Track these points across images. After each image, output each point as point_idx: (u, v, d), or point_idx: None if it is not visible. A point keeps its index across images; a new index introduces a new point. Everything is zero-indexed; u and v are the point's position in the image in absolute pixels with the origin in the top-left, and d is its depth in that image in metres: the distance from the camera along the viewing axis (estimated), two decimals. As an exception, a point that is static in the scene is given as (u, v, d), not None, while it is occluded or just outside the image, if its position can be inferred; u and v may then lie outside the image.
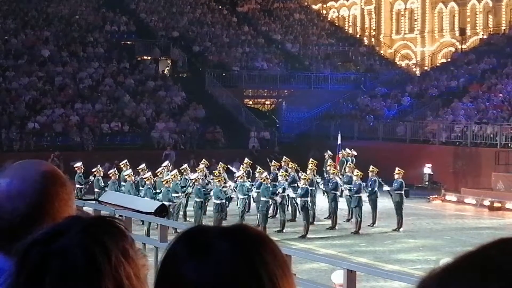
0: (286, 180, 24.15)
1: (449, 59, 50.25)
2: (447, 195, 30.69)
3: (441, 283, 1.10)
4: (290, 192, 23.66)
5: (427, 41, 57.77)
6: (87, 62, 43.43)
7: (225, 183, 23.61)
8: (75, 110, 38.86)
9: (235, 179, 24.25)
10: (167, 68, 48.02)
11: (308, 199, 22.92)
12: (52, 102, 39.00)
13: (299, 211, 23.12)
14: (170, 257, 1.38)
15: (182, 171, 25.47)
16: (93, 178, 25.84)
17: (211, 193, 23.01)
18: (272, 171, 26.61)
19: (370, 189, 24.12)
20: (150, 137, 38.27)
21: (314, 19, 57.61)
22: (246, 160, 28.11)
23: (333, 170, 25.69)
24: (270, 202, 23.27)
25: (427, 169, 33.08)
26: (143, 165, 25.83)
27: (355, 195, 23.55)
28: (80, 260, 1.46)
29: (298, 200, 23.34)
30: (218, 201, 22.34)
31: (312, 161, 26.14)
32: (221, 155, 32.48)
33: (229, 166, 27.48)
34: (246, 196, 23.50)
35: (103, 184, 25.20)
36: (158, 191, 23.23)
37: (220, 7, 55.09)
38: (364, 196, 24.09)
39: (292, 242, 20.05)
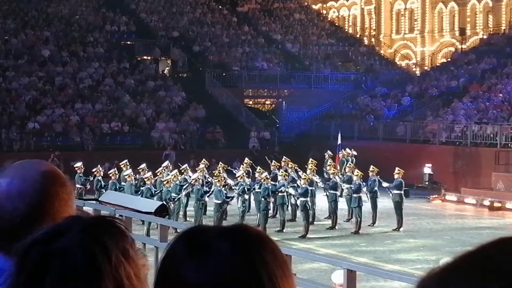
0: (286, 180, 24.17)
1: (449, 59, 50.24)
2: (447, 195, 30.69)
3: (440, 282, 1.10)
4: (290, 189, 23.67)
5: (427, 41, 57.76)
6: (87, 62, 43.43)
7: (225, 183, 23.62)
8: (75, 110, 38.86)
9: (236, 179, 24.27)
10: (167, 68, 48.02)
11: (308, 199, 22.93)
12: (52, 102, 39.00)
13: (301, 210, 23.10)
14: (170, 257, 1.38)
15: (182, 171, 25.48)
16: (92, 178, 25.84)
17: (212, 193, 23.04)
18: (272, 171, 26.61)
19: (370, 188, 24.13)
20: (150, 137, 38.26)
21: (314, 19, 57.61)
22: (246, 160, 28.12)
23: (333, 170, 25.70)
24: (270, 202, 23.30)
25: (427, 169, 33.08)
26: (143, 165, 25.82)
27: (355, 195, 23.55)
28: (80, 260, 1.46)
29: (298, 200, 23.35)
30: (218, 201, 22.35)
31: (312, 161, 26.14)
32: (221, 155, 32.47)
33: (230, 168, 27.47)
34: (246, 196, 23.51)
35: (103, 184, 25.20)
36: (157, 191, 23.22)
37: (220, 7, 55.09)
38: (364, 196, 24.10)
39: (292, 242, 20.05)
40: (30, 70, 41.27)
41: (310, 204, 23.13)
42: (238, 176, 24.13)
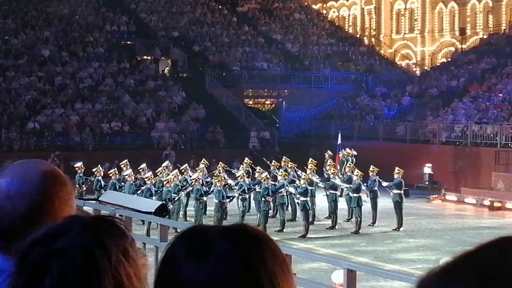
0: (285, 179, 24.17)
1: (449, 59, 50.25)
2: (447, 195, 30.69)
3: (440, 282, 1.10)
4: (291, 188, 23.69)
5: (427, 41, 57.76)
6: (87, 62, 43.41)
7: (225, 183, 23.63)
8: (75, 110, 38.85)
9: (236, 179, 24.28)
10: (167, 68, 48.02)
11: (308, 198, 22.92)
12: (52, 102, 38.99)
13: (300, 210, 23.10)
14: (170, 256, 1.38)
15: (182, 171, 25.48)
16: (93, 178, 25.83)
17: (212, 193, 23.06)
18: (271, 170, 26.61)
19: (370, 188, 24.13)
20: (150, 137, 38.26)
21: (314, 19, 57.60)
22: (246, 160, 28.13)
23: (333, 170, 25.71)
24: (270, 202, 23.30)
25: (427, 169, 33.08)
26: (143, 165, 25.82)
27: (355, 195, 23.55)
28: (80, 260, 1.46)
29: (298, 200, 23.35)
30: (218, 201, 22.35)
31: (311, 160, 26.14)
32: (221, 155, 32.46)
33: (229, 168, 27.47)
34: (246, 196, 23.51)
35: (103, 184, 25.19)
36: (157, 190, 23.22)
37: (220, 7, 55.09)
38: (364, 196, 24.11)
39: (292, 242, 20.05)
40: (30, 70, 41.26)
41: (310, 204, 23.12)
42: (238, 176, 24.15)
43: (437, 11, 57.04)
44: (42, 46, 43.66)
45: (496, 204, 27.81)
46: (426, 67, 52.52)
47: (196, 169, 26.61)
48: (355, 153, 30.01)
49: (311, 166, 25.29)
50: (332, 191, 24.30)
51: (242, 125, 41.77)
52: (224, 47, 48.92)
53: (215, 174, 24.21)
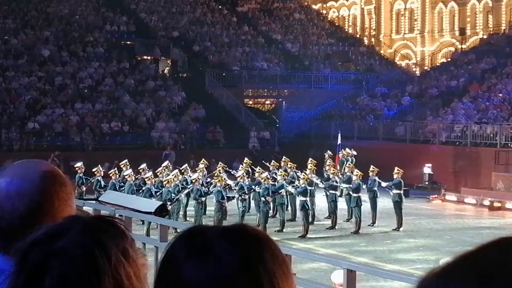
0: (285, 179, 24.18)
1: (449, 59, 50.25)
2: (447, 195, 30.69)
3: (440, 282, 1.10)
4: (291, 188, 23.70)
5: (427, 41, 57.77)
6: (87, 62, 43.41)
7: (225, 183, 23.62)
8: (75, 110, 38.85)
9: (235, 180, 24.29)
10: (167, 68, 48.02)
11: (307, 198, 22.91)
12: (52, 102, 38.99)
13: (300, 210, 23.09)
14: (170, 257, 1.38)
15: (183, 171, 25.48)
16: (93, 178, 25.79)
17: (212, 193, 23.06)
18: (271, 171, 26.60)
19: (369, 188, 24.13)
20: (150, 137, 38.26)
21: (314, 19, 57.60)
22: (246, 160, 28.13)
23: (333, 170, 25.70)
24: (270, 202, 23.30)
25: (427, 169, 33.08)
26: (144, 165, 25.82)
27: (354, 195, 23.55)
28: (80, 260, 1.46)
29: (298, 200, 23.36)
30: (219, 202, 22.35)
31: (311, 160, 26.14)
32: (221, 155, 32.47)
33: (229, 169, 27.48)
34: (246, 196, 23.51)
35: (103, 184, 25.18)
36: (157, 191, 23.20)
37: (220, 7, 55.09)
38: (364, 196, 24.11)
39: (292, 242, 20.05)
40: (30, 70, 41.26)
41: (309, 204, 23.11)
42: (238, 176, 24.15)
43: (437, 11, 57.04)
44: (42, 46, 43.66)
45: (496, 204, 27.82)
46: (426, 67, 52.52)
47: (196, 169, 26.60)
48: (355, 153, 30.00)
49: (310, 166, 25.29)
50: (331, 191, 24.30)
51: (242, 125, 41.77)
52: (224, 47, 48.93)
53: (215, 175, 24.21)
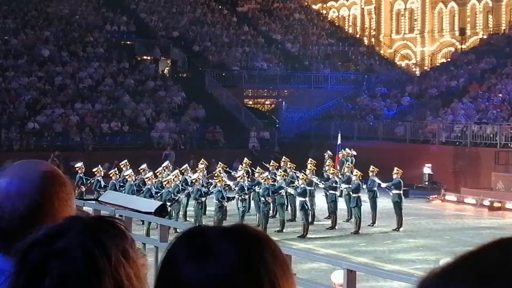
0: (285, 180, 24.19)
1: (449, 59, 50.25)
2: (447, 195, 30.69)
3: (441, 283, 1.10)
4: (290, 189, 23.71)
5: (427, 41, 57.77)
6: (87, 62, 43.41)
7: (225, 183, 23.62)
8: (75, 110, 38.85)
9: (235, 180, 24.29)
10: (167, 68, 48.02)
11: (307, 199, 22.91)
12: (52, 102, 38.99)
13: (299, 210, 23.09)
14: (170, 257, 1.38)
15: (183, 171, 25.47)
16: (93, 178, 25.76)
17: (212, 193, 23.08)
18: (270, 171, 26.59)
19: (369, 188, 24.13)
20: (150, 137, 38.26)
21: (314, 19, 57.60)
22: (246, 160, 28.13)
23: (332, 170, 25.70)
24: (270, 203, 23.30)
25: (427, 169, 33.07)
26: (144, 165, 25.81)
27: (354, 195, 23.56)
28: (80, 261, 1.46)
29: (297, 200, 23.37)
30: (219, 202, 22.35)
31: (311, 161, 26.14)
32: (221, 155, 32.47)
33: (229, 170, 27.48)
34: (246, 196, 23.51)
35: (103, 184, 25.17)
36: (157, 191, 23.20)
37: (220, 7, 55.09)
38: (364, 196, 24.11)
39: (292, 242, 20.05)
40: (30, 70, 41.26)
41: (309, 204, 23.11)
42: (238, 177, 24.15)
43: (437, 11, 57.04)
44: (42, 46, 43.66)
45: (496, 204, 27.82)
46: (425, 67, 52.52)
47: (196, 169, 26.60)
48: (354, 153, 30.00)
49: (310, 167, 25.29)
50: (331, 192, 24.30)
51: (242, 125, 41.77)
52: (224, 47, 48.93)
53: (216, 175, 24.20)
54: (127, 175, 24.49)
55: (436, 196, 30.65)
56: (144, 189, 23.27)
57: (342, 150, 30.53)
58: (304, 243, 21.03)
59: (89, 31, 46.78)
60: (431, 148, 34.97)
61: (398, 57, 57.79)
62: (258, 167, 25.23)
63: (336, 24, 59.97)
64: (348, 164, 26.91)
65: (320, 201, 25.66)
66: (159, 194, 22.69)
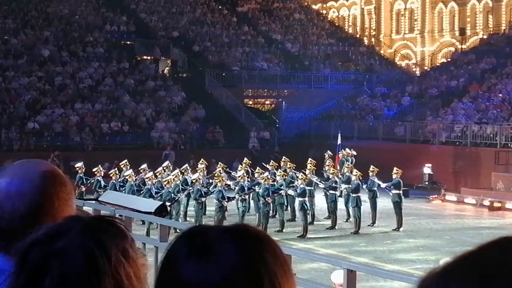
0: (285, 180, 24.19)
1: (449, 59, 50.25)
2: (447, 195, 30.69)
3: (441, 282, 1.10)
4: (290, 191, 23.71)
5: (427, 41, 57.77)
6: (87, 62, 43.41)
7: (225, 184, 23.62)
8: (75, 110, 38.85)
9: (236, 179, 24.29)
10: (167, 68, 48.02)
11: (306, 199, 22.90)
12: (52, 102, 38.99)
13: (299, 210, 23.09)
14: (171, 257, 1.37)
15: (183, 171, 25.47)
16: (93, 178, 25.75)
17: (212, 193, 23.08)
18: (270, 171, 26.58)
19: (369, 187, 24.13)
20: (150, 137, 38.26)
21: (314, 19, 57.60)
22: (245, 160, 28.13)
23: (332, 170, 25.70)
24: (270, 203, 23.29)
25: (427, 169, 33.07)
26: (144, 165, 25.80)
27: (353, 195, 23.56)
28: (80, 261, 1.46)
29: (297, 201, 23.37)
30: (219, 202, 22.35)
31: (311, 161, 26.14)
32: (221, 155, 32.47)
33: (229, 170, 27.47)
34: (246, 196, 23.50)
35: (103, 184, 25.16)
36: (157, 191, 23.19)
37: (220, 7, 55.09)
38: (364, 196, 24.11)
39: (292, 242, 20.05)
40: (30, 70, 41.27)
41: (308, 204, 23.10)
42: (239, 177, 24.15)
43: (437, 11, 57.04)
44: (42, 46, 43.66)
45: (496, 204, 27.82)
46: (426, 67, 52.52)
47: (197, 169, 26.59)
48: (354, 153, 29.99)
49: (310, 167, 25.29)
50: (331, 192, 24.30)
51: (242, 125, 41.78)
52: (224, 47, 48.93)
53: (216, 175, 24.20)
54: (127, 175, 24.49)
55: (436, 196, 30.65)
56: (144, 189, 23.26)
57: (342, 150, 30.52)
58: (304, 243, 21.03)
59: (89, 31, 46.78)
60: (431, 148, 34.97)
61: (398, 57, 57.79)
62: (258, 167, 25.23)
63: (336, 24, 59.97)
64: (348, 164, 26.90)
65: (320, 201, 25.66)
66: (159, 194, 22.68)
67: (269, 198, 22.80)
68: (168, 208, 21.38)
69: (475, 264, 1.09)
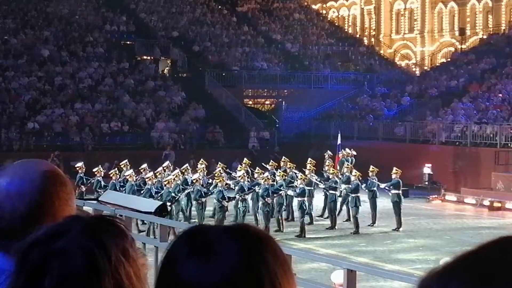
0: (284, 180, 24.18)
1: (449, 59, 50.25)
2: (447, 195, 30.69)
3: (441, 282, 1.10)
4: (290, 192, 23.71)
5: (427, 41, 57.77)
6: (87, 62, 43.42)
7: (225, 184, 23.61)
8: (75, 110, 38.85)
9: (235, 180, 24.28)
10: (167, 68, 48.02)
11: (305, 198, 22.90)
12: (52, 102, 38.99)
13: (298, 209, 23.08)
14: (171, 256, 1.37)
15: (183, 171, 25.46)
16: (93, 179, 25.73)
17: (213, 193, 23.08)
18: (269, 171, 26.56)
19: (368, 187, 24.13)
20: (150, 137, 38.26)
21: (314, 19, 57.61)
22: (245, 160, 28.12)
23: (332, 170, 25.70)
24: (270, 203, 23.27)
25: (427, 169, 33.06)
26: (145, 165, 25.80)
27: (353, 195, 23.56)
28: (80, 260, 1.46)
29: (296, 201, 23.37)
30: (220, 202, 22.34)
31: (310, 161, 26.13)
32: (221, 155, 32.47)
33: (229, 171, 27.47)
34: (246, 196, 23.49)
35: (103, 184, 25.15)
36: (157, 191, 23.18)
37: (220, 7, 55.09)
38: (364, 196, 24.11)
39: (292, 242, 20.05)
40: (30, 70, 41.26)
41: (307, 204, 23.09)
42: (239, 177, 24.15)
43: (436, 11, 57.04)
44: (41, 46, 43.66)
45: (496, 204, 27.82)
46: (425, 67, 52.53)
47: (197, 169, 26.58)
48: (354, 153, 29.98)
49: (310, 167, 25.29)
50: (331, 192, 24.30)
51: (242, 125, 41.78)
52: (224, 47, 48.93)
53: (216, 175, 24.19)
54: (127, 175, 24.48)
55: (436, 196, 30.65)
56: (144, 189, 23.26)
57: (342, 150, 30.50)
58: (304, 243, 21.04)
59: (89, 31, 46.78)
60: (431, 148, 34.97)
61: (398, 57, 57.80)
62: (257, 167, 25.22)
63: (336, 24, 59.97)
64: (348, 164, 26.89)
65: (320, 201, 25.67)
66: (159, 194, 22.67)
67: (269, 198, 22.78)
68: (168, 208, 21.39)
69: (475, 264, 1.09)
